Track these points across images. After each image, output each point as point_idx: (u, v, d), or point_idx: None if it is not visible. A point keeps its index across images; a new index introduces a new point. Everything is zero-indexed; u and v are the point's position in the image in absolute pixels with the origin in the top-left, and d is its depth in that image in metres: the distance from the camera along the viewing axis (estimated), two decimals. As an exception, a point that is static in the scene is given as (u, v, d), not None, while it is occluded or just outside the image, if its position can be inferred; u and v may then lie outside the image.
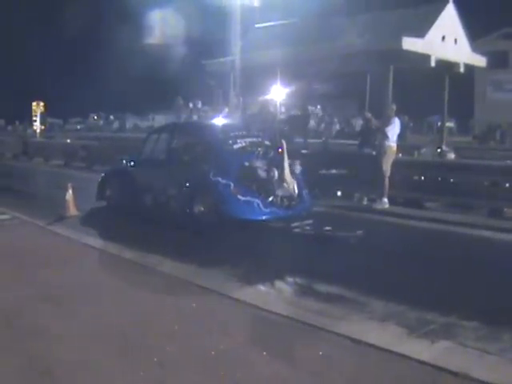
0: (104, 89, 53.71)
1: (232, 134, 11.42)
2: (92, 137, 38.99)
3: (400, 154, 14.11)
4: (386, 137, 12.69)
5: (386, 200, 12.62)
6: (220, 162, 10.43)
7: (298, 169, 11.15)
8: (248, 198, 9.90)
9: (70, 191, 11.64)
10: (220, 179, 10.07)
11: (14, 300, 6.43)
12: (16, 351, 5.05)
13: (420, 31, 15.66)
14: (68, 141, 31.58)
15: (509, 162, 15.31)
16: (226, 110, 21.64)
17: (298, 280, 7.45)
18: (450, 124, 34.80)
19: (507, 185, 11.70)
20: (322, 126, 40.24)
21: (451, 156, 17.56)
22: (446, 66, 17.45)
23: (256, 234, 9.85)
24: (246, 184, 10.12)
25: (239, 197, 9.88)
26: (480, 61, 19.24)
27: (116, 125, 63.01)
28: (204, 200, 10.32)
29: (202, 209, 10.31)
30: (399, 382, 4.57)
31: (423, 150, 18.80)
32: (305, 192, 10.74)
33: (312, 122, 34.86)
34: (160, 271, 7.71)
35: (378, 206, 12.61)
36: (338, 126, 42.25)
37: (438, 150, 18.12)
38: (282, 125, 19.41)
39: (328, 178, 14.27)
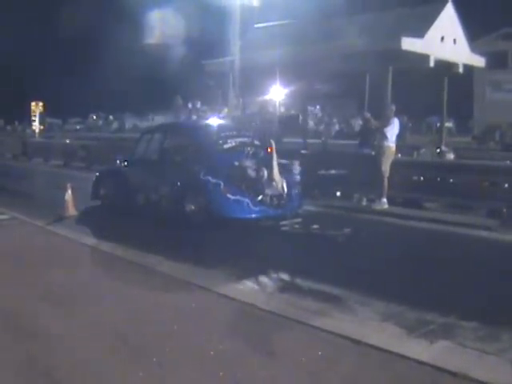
0: (103, 89, 53.68)
1: (223, 134, 11.67)
2: (91, 137, 39.06)
3: (399, 155, 14.11)
4: (385, 137, 12.69)
5: (385, 200, 12.62)
6: (210, 162, 10.65)
7: (296, 169, 11.22)
8: (238, 197, 10.12)
9: (69, 191, 11.65)
10: (210, 178, 10.28)
11: (13, 300, 6.44)
12: (15, 351, 5.05)
13: (419, 31, 15.66)
14: (67, 141, 31.53)
15: (508, 162, 15.29)
16: (226, 110, 21.66)
17: (295, 280, 7.45)
18: (449, 124, 34.80)
19: (506, 185, 11.69)
20: (322, 126, 40.29)
21: (450, 156, 17.55)
22: (445, 67, 17.45)
23: (246, 233, 9.99)
24: (235, 183, 10.31)
25: (229, 196, 10.10)
26: (479, 61, 19.26)
27: (115, 125, 63.00)
28: (195, 199, 10.52)
29: (193, 208, 10.50)
30: (398, 382, 4.57)
31: (422, 151, 18.78)
32: (294, 191, 10.92)
33: (311, 123, 34.89)
34: (159, 271, 7.72)
35: (377, 207, 12.61)
36: (337, 127, 42.33)
37: (438, 151, 18.12)
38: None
39: (327, 178, 14.27)
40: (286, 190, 10.54)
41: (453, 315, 5.81)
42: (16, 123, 63.36)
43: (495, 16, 38.20)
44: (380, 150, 12.75)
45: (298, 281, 7.42)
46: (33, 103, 43.95)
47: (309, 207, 12.86)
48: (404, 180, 13.10)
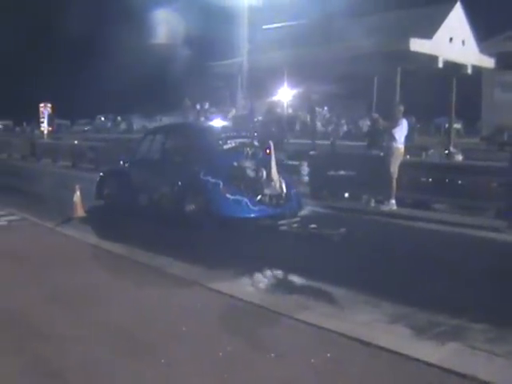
0: (112, 90, 53.76)
1: (223, 135, 11.91)
2: (99, 138, 39.14)
3: (408, 156, 14.09)
4: (393, 138, 12.67)
5: (393, 202, 12.60)
6: (210, 162, 10.84)
7: (305, 170, 11.30)
8: (237, 197, 10.30)
9: (78, 193, 11.69)
10: (210, 178, 10.48)
11: (22, 301, 6.46)
12: (24, 352, 5.07)
13: (428, 32, 15.66)
14: (75, 142, 31.63)
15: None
16: (233, 111, 21.67)
17: (306, 282, 7.43)
18: (457, 125, 34.69)
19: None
20: (330, 127, 40.26)
21: (459, 158, 17.52)
22: (454, 68, 17.43)
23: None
24: (234, 183, 10.51)
25: (228, 195, 10.28)
26: (488, 62, 19.21)
27: (123, 126, 63.08)
28: (195, 199, 10.68)
29: (193, 207, 10.66)
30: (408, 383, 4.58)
31: (431, 152, 18.75)
32: (293, 191, 11.13)
33: (318, 124, 34.86)
34: (168, 272, 7.73)
35: (385, 208, 12.59)
36: (345, 128, 42.27)
37: (446, 152, 18.09)
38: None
39: (336, 179, 14.28)
40: (284, 190, 10.71)
41: (462, 317, 5.79)
42: (24, 124, 63.67)
43: (504, 17, 38.04)
44: (388, 151, 12.73)
45: (305, 282, 7.40)
46: (41, 104, 44.01)
47: (316, 208, 12.90)
48: (412, 181, 13.07)
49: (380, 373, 4.72)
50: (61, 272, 7.68)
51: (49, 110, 43.34)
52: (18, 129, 67.45)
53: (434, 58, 15.96)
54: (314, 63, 16.93)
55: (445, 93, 19.26)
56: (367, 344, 5.15)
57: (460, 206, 12.51)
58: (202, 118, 33.16)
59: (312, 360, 4.87)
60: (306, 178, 15.68)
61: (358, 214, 12.46)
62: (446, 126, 28.67)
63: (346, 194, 14.16)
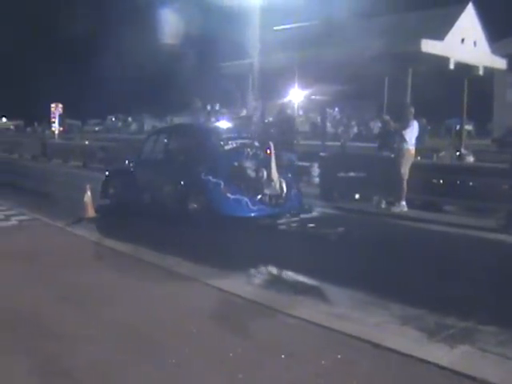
0: (122, 91, 53.95)
1: (224, 136, 12.25)
2: (110, 138, 39.26)
3: (418, 157, 14.05)
4: (403, 140, 12.64)
5: (404, 203, 12.56)
6: (211, 162, 11.12)
7: (315, 171, 11.39)
8: (237, 196, 10.57)
9: (89, 193, 11.73)
10: (211, 178, 10.74)
11: (32, 300, 6.48)
12: (34, 351, 5.09)
13: (439, 33, 15.58)
14: (86, 142, 31.79)
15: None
16: (244, 112, 21.68)
17: (312, 282, 7.42)
18: (468, 127, 34.54)
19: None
20: (340, 128, 40.19)
21: (470, 159, 17.43)
22: (465, 69, 17.34)
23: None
24: (235, 183, 10.78)
25: (229, 195, 10.56)
26: (500, 63, 19.06)
27: (134, 126, 63.35)
28: (197, 198, 10.94)
29: (195, 206, 10.90)
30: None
31: (442, 154, 18.67)
32: (293, 191, 11.41)
33: (328, 125, 34.81)
34: (176, 271, 7.74)
35: (396, 210, 12.56)
36: (355, 129, 42.17)
37: (457, 154, 18.01)
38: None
39: (346, 180, 14.26)
40: (285, 189, 10.99)
41: (472, 319, 5.77)
42: (36, 124, 63.98)
43: (516, 17, 37.82)
44: (399, 152, 12.70)
45: (312, 282, 7.40)
46: (52, 105, 44.26)
47: (326, 209, 12.90)
48: (423, 183, 13.03)
49: (390, 375, 4.69)
50: (71, 272, 7.70)
51: (60, 110, 43.59)
52: (29, 129, 67.85)
53: (445, 60, 15.88)
54: (324, 64, 16.89)
55: (456, 94, 19.17)
56: (377, 346, 5.13)
57: (471, 208, 12.45)
58: (213, 119, 33.23)
59: (322, 361, 4.85)
60: (317, 180, 15.67)
61: (367, 216, 12.45)
62: (457, 127, 28.51)
63: (357, 196, 14.14)
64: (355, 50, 15.86)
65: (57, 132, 43.37)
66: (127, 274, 7.72)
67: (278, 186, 10.87)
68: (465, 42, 16.76)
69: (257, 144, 11.98)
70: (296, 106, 22.94)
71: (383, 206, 13.19)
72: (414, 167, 12.69)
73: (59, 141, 38.47)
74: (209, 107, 35.92)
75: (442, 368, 4.68)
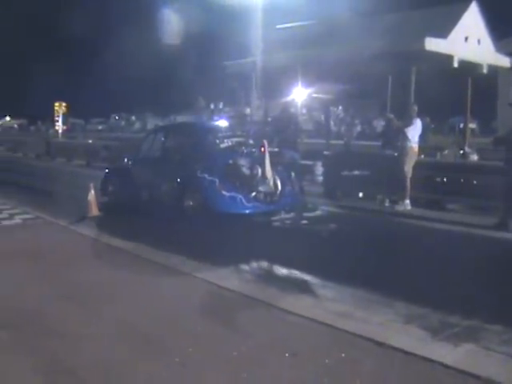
0: (126, 89, 54.00)
1: (220, 135, 12.49)
2: (113, 137, 39.29)
3: (422, 156, 14.02)
4: (407, 138, 12.63)
5: (407, 202, 12.56)
6: (207, 160, 11.33)
7: (319, 170, 11.43)
8: (232, 194, 10.78)
9: (92, 191, 11.76)
10: (206, 176, 10.96)
11: (36, 299, 6.50)
12: (38, 350, 5.09)
13: (443, 32, 15.53)
14: (90, 141, 31.82)
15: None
16: (248, 110, 21.66)
17: (314, 280, 7.41)
18: (472, 125, 34.43)
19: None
20: (343, 127, 40.15)
21: (474, 158, 17.38)
22: (469, 67, 17.28)
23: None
24: (230, 180, 10.98)
25: (224, 192, 10.76)
26: (504, 61, 18.99)
27: (137, 125, 63.35)
28: (192, 195, 11.15)
29: (191, 203, 11.11)
30: (422, 384, 4.56)
31: (446, 152, 18.62)
32: (288, 189, 11.61)
33: (332, 124, 34.78)
34: (181, 270, 7.74)
35: (399, 208, 12.55)
36: (359, 128, 42.12)
37: (461, 152, 17.96)
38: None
39: (350, 179, 14.26)
40: (279, 187, 11.20)
41: (476, 318, 5.76)
42: (39, 123, 64.09)
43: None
44: (403, 150, 12.69)
45: (313, 280, 7.37)
46: (56, 104, 44.33)
47: (330, 208, 12.90)
48: (427, 181, 13.01)
49: (394, 374, 4.69)
50: (74, 270, 7.72)
51: (64, 109, 43.65)
52: (32, 128, 67.94)
53: (449, 58, 15.83)
54: (327, 63, 16.85)
55: (460, 92, 19.12)
56: (380, 344, 5.12)
57: (475, 207, 12.44)
58: (216, 117, 33.23)
59: (326, 360, 4.85)
60: (320, 178, 15.67)
61: (371, 214, 12.45)
62: (461, 125, 28.44)
63: (360, 194, 14.13)
64: (358, 48, 15.81)
65: (60, 131, 43.43)
66: (130, 272, 7.73)
67: (272, 183, 11.08)
68: (469, 40, 16.71)
69: (251, 142, 12.23)
70: (299, 105, 22.89)
71: (387, 204, 13.19)
72: (418, 165, 12.67)
73: (63, 139, 38.53)
74: (212, 106, 35.90)
75: (446, 366, 4.67)
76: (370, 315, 5.94)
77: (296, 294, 6.81)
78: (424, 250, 9.12)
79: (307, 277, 7.56)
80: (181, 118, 48.60)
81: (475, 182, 12.54)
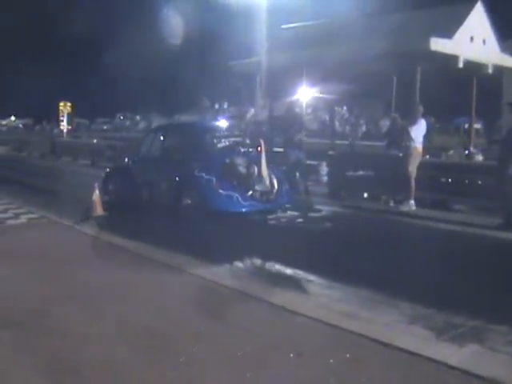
0: (131, 89, 54.05)
1: (217, 134, 12.64)
2: (118, 137, 39.38)
3: (427, 156, 14.01)
4: (411, 138, 12.61)
5: (412, 202, 12.54)
6: (204, 160, 11.44)
7: (324, 170, 11.45)
8: (229, 192, 10.90)
9: (97, 191, 11.77)
10: (204, 175, 11.08)
11: (40, 299, 6.51)
12: (43, 350, 5.10)
13: (448, 32, 15.51)
14: (95, 141, 31.89)
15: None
16: (252, 110, 21.65)
17: (323, 281, 7.41)
18: (477, 125, 34.35)
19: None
20: (348, 127, 40.15)
21: (479, 158, 17.37)
22: (474, 67, 17.25)
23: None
24: (227, 179, 11.08)
25: (221, 191, 10.88)
26: (509, 61, 18.93)
27: (142, 125, 63.45)
28: (190, 194, 11.26)
29: (189, 202, 11.22)
30: (427, 385, 4.55)
31: (450, 152, 18.62)
32: (284, 187, 11.71)
33: (336, 124, 34.80)
34: (183, 269, 7.75)
35: (404, 208, 12.54)
36: (364, 128, 42.13)
37: (466, 152, 17.94)
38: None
39: (354, 179, 14.25)
40: (276, 186, 11.36)
41: (481, 319, 5.74)
42: (44, 123, 64.27)
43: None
44: (407, 150, 12.68)
45: (323, 281, 7.37)
46: (61, 103, 44.37)
47: (334, 208, 12.89)
48: (432, 182, 13.00)
49: (399, 374, 4.68)
50: (79, 270, 7.72)
51: (68, 109, 43.72)
52: (37, 127, 68.13)
53: (454, 58, 15.81)
54: (332, 63, 16.83)
55: (465, 92, 19.09)
56: (385, 345, 5.12)
57: (480, 207, 12.41)
58: (220, 117, 33.25)
59: (331, 360, 4.85)
60: (325, 178, 15.67)
61: (375, 214, 12.43)
62: (466, 126, 28.39)
63: (365, 194, 14.13)
64: (363, 48, 15.79)
65: (65, 130, 43.49)
66: (135, 271, 7.73)
67: (268, 182, 11.20)
68: (474, 40, 16.69)
69: (248, 142, 12.36)
70: (304, 105, 22.89)
71: (391, 204, 13.18)
72: (423, 166, 12.66)
73: (68, 139, 38.60)
74: (217, 106, 35.93)
75: (451, 367, 4.66)
76: (375, 315, 5.94)
77: (300, 294, 6.82)
78: (429, 250, 9.09)
79: (312, 277, 7.54)
80: (185, 118, 48.64)
81: (480, 182, 12.52)
